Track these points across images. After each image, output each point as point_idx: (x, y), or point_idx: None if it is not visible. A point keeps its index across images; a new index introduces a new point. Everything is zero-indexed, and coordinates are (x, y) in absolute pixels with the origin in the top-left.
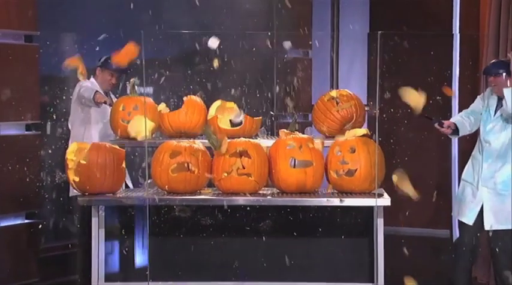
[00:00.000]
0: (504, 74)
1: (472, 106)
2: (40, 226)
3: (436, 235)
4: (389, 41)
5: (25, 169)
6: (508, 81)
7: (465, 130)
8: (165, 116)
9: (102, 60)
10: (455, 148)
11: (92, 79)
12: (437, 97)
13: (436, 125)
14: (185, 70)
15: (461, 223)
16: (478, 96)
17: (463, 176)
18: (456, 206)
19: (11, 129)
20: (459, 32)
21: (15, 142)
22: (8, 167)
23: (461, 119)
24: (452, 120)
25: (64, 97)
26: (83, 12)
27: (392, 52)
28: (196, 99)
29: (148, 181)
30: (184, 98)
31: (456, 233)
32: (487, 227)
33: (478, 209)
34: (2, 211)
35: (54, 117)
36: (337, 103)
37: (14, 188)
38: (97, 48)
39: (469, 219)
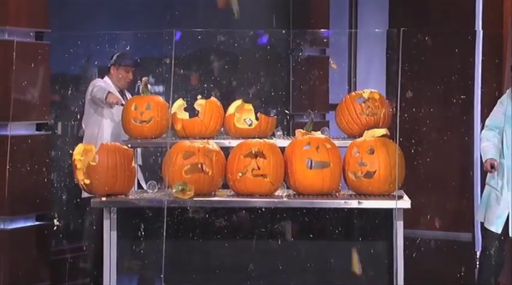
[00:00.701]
0: None
1: (492, 117)
2: (55, 228)
3: (458, 238)
4: (409, 39)
5: (36, 169)
6: None
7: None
8: (179, 121)
9: (115, 57)
10: (477, 149)
11: (105, 78)
12: (461, 96)
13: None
14: (200, 69)
15: (486, 229)
16: (499, 101)
17: (487, 180)
18: (481, 211)
19: (21, 129)
20: (482, 29)
21: (26, 143)
22: (18, 168)
23: (492, 145)
24: (488, 154)
25: (76, 96)
26: (95, 8)
27: (414, 51)
28: (216, 102)
29: (150, 183)
30: (200, 101)
31: (479, 237)
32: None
33: (505, 216)
34: (12, 212)
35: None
36: (367, 108)
37: (24, 189)
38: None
39: (497, 227)
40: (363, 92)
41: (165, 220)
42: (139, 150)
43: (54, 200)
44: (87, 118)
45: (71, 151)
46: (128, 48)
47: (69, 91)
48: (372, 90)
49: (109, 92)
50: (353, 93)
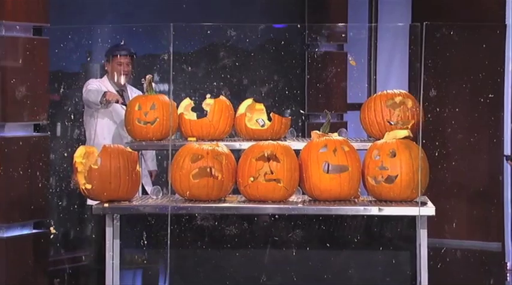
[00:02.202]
0: None
1: None
2: (52, 236)
3: (486, 248)
4: (434, 33)
5: (33, 173)
6: None
7: None
8: (187, 122)
9: (106, 50)
10: (507, 152)
11: (104, 77)
12: (490, 95)
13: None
14: (209, 65)
15: None
16: None
17: None
18: None
19: (18, 130)
20: None
21: (23, 145)
22: (14, 172)
23: None
24: None
25: (76, 95)
26: (97, 1)
27: (438, 46)
28: (225, 101)
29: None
30: (208, 100)
31: (509, 247)
32: None
33: None
34: (7, 219)
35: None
36: (397, 117)
37: (20, 194)
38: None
39: None
40: (395, 95)
41: (169, 227)
42: (152, 153)
43: (53, 207)
44: (85, 120)
45: (65, 154)
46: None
47: (69, 90)
48: (406, 93)
49: (106, 91)
50: (384, 93)
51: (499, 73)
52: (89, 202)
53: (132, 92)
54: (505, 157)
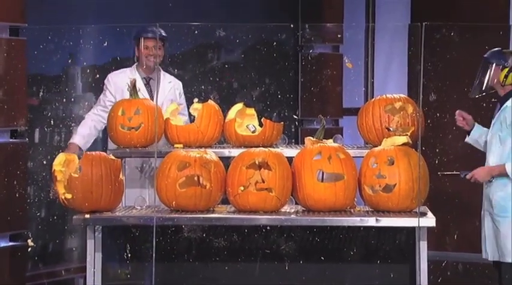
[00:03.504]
0: (495, 65)
1: None
2: (29, 249)
3: (489, 261)
4: (434, 34)
5: (10, 182)
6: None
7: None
8: (173, 128)
9: (134, 33)
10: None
11: (133, 67)
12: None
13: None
14: (197, 68)
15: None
16: None
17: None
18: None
19: None
20: None
21: None
22: None
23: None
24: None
25: (56, 99)
26: (78, 1)
27: (439, 47)
28: (214, 106)
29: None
30: (196, 104)
31: None
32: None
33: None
34: None
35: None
36: (396, 123)
37: None
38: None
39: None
40: (395, 100)
41: (154, 239)
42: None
43: (31, 218)
44: None
45: (45, 162)
46: (105, 44)
47: (49, 94)
48: (406, 98)
49: (71, 142)
50: (383, 97)
51: None
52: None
53: (165, 79)
54: (460, 174)
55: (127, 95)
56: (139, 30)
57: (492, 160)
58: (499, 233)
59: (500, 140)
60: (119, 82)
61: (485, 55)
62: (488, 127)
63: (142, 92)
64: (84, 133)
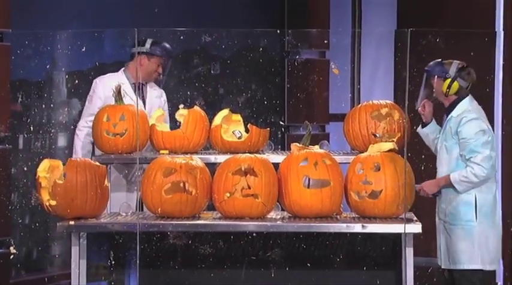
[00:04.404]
0: (438, 77)
1: None
2: (12, 257)
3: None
4: (420, 40)
5: None
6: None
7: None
8: (159, 134)
9: (148, 45)
10: (498, 166)
11: (120, 72)
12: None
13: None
14: (182, 73)
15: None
16: None
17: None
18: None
19: None
20: (503, 30)
21: None
22: None
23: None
24: None
25: (42, 105)
26: (62, 6)
27: (425, 54)
28: (200, 112)
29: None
30: (182, 110)
31: (500, 266)
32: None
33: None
34: None
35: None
36: (382, 129)
37: None
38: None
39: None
40: (381, 106)
41: (138, 246)
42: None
43: (13, 225)
44: None
45: (27, 168)
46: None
47: (32, 99)
48: (393, 104)
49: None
50: (370, 103)
51: (488, 83)
52: None
53: (152, 86)
54: (433, 196)
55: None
56: (167, 50)
57: (441, 170)
58: (450, 241)
59: (447, 150)
60: (108, 86)
61: (427, 68)
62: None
63: (131, 97)
64: (84, 152)
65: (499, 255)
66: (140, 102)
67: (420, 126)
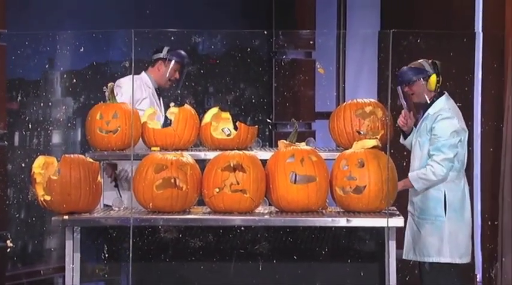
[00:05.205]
0: (421, 79)
1: None
2: (8, 250)
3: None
4: (402, 41)
5: None
6: (425, 85)
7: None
8: (150, 131)
9: (165, 51)
10: (477, 163)
11: (142, 74)
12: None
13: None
14: None
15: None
16: None
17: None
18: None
19: None
20: (482, 31)
21: None
22: None
23: None
24: None
25: (39, 104)
26: (57, 7)
27: (406, 54)
28: (190, 110)
29: (116, 199)
30: (173, 109)
31: (479, 258)
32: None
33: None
34: None
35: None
36: (366, 127)
37: None
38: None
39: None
40: (365, 105)
41: (131, 240)
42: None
43: (10, 219)
44: None
45: (24, 164)
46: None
47: (28, 98)
48: (376, 103)
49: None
50: (354, 102)
51: (467, 82)
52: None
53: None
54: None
55: (144, 102)
56: (183, 57)
57: (414, 164)
58: (419, 235)
59: (420, 146)
60: (135, 88)
61: (401, 79)
62: None
63: (156, 101)
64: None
65: (469, 249)
66: (162, 106)
67: (402, 137)
